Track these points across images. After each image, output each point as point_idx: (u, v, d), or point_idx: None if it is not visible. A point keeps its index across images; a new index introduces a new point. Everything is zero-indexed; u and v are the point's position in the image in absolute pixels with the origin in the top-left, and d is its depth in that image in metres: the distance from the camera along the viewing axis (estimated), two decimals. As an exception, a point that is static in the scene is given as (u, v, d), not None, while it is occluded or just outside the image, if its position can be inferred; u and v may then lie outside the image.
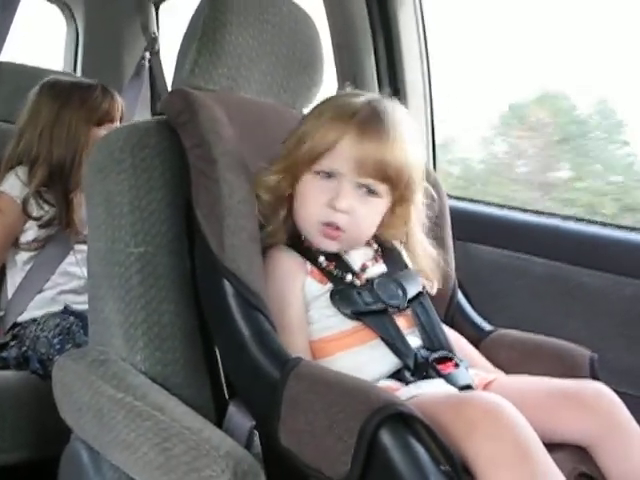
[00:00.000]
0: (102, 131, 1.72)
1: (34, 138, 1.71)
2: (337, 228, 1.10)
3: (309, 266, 1.12)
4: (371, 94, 1.16)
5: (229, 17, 1.19)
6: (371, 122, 1.07)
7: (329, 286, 1.11)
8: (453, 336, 1.20)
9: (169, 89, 1.30)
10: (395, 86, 1.83)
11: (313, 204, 1.10)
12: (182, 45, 1.23)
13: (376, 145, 1.07)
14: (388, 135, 1.07)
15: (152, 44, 2.37)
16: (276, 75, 1.27)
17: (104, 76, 2.03)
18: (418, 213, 1.19)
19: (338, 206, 1.08)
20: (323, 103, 1.15)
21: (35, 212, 1.68)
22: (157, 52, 2.37)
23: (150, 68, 2.36)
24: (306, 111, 1.35)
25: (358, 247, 1.16)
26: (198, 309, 1.08)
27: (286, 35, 1.27)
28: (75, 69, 2.53)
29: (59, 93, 1.74)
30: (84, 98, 1.74)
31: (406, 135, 1.10)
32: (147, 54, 2.35)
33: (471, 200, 1.80)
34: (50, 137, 1.71)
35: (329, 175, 1.09)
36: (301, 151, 1.10)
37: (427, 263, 1.20)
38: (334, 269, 1.12)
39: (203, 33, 1.18)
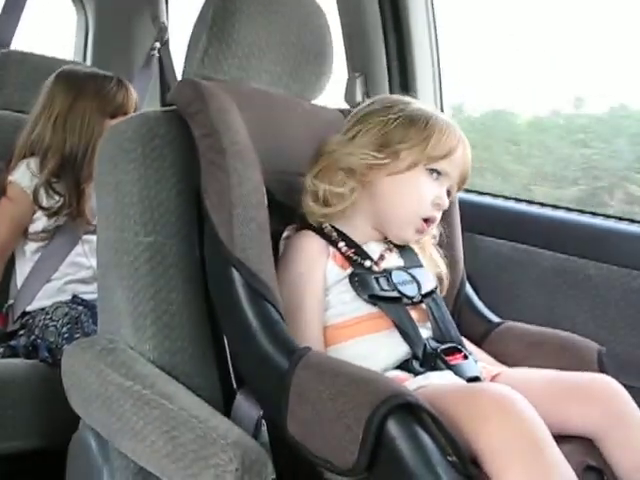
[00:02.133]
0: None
1: (47, 127, 1.71)
2: (429, 223, 1.17)
3: (332, 249, 1.14)
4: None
5: (239, 7, 1.19)
6: (463, 138, 1.18)
7: (349, 270, 1.13)
8: None
9: (178, 79, 1.30)
10: (405, 76, 1.83)
11: (421, 198, 1.15)
12: (192, 35, 1.22)
13: (469, 156, 1.18)
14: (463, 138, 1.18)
15: (162, 34, 2.36)
16: (286, 65, 1.27)
17: (114, 66, 2.04)
18: None
19: (444, 205, 1.16)
20: (401, 109, 1.17)
21: (44, 202, 1.68)
22: (167, 42, 2.36)
23: (160, 58, 2.36)
24: (314, 101, 1.35)
25: (374, 237, 1.19)
26: (207, 298, 1.08)
27: (296, 25, 1.27)
28: (85, 59, 2.53)
29: (74, 83, 1.74)
30: (99, 89, 1.74)
31: None
32: (157, 44, 2.35)
33: (479, 192, 1.79)
34: (63, 127, 1.71)
35: (438, 174, 1.15)
36: (415, 150, 1.13)
37: (434, 267, 1.25)
38: (354, 255, 1.14)
39: (213, 23, 1.18)
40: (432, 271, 1.23)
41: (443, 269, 1.25)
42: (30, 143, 1.73)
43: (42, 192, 1.67)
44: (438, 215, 1.17)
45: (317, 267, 1.12)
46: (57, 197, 1.68)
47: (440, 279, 1.24)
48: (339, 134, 1.19)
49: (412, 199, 1.15)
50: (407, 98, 1.22)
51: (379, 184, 1.15)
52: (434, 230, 1.24)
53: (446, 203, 1.16)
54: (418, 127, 1.14)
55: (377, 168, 1.14)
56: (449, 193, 1.19)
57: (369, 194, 1.16)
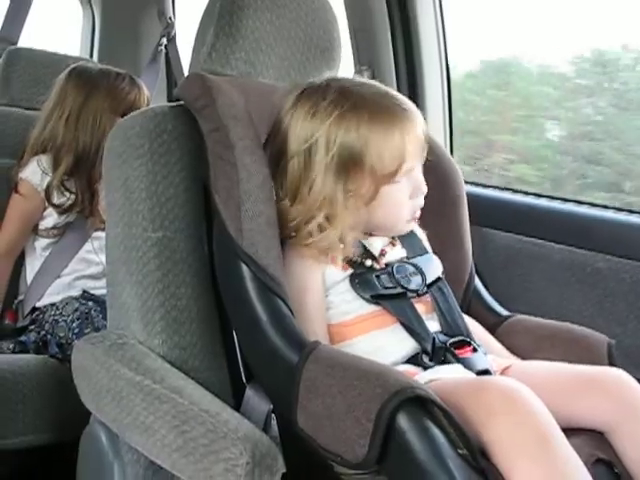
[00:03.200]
0: None
1: (60, 125, 1.72)
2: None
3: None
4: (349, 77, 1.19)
5: (246, 1, 1.19)
6: (408, 111, 1.10)
7: (349, 271, 1.11)
8: (469, 323, 1.20)
9: (185, 74, 1.30)
10: (412, 70, 1.82)
11: (402, 204, 1.12)
12: (199, 30, 1.22)
13: (422, 127, 1.11)
14: (419, 115, 1.12)
15: (168, 29, 2.36)
16: (293, 60, 1.27)
17: (120, 62, 2.04)
18: None
19: (424, 191, 1.13)
20: (339, 104, 1.08)
21: (56, 199, 1.69)
22: (173, 37, 2.36)
23: (166, 54, 2.36)
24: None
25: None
26: (216, 293, 1.09)
27: (303, 19, 1.26)
28: (91, 55, 2.53)
29: (86, 81, 1.74)
30: (111, 88, 1.74)
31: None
32: (164, 40, 2.35)
33: (488, 186, 1.79)
34: (76, 125, 1.71)
35: (408, 171, 1.10)
36: (367, 166, 1.07)
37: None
38: (353, 255, 1.12)
39: (220, 17, 1.18)
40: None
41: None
42: (42, 140, 1.73)
43: (54, 190, 1.68)
44: (422, 199, 1.14)
45: (315, 271, 1.10)
46: (68, 194, 1.69)
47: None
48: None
49: (396, 208, 1.12)
50: (344, 81, 1.13)
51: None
52: None
53: (425, 189, 1.13)
54: (353, 137, 1.06)
55: (342, 196, 1.08)
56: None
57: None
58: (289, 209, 1.09)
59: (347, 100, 1.08)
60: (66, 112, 1.72)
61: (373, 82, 1.17)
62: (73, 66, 1.79)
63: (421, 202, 1.14)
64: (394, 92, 1.14)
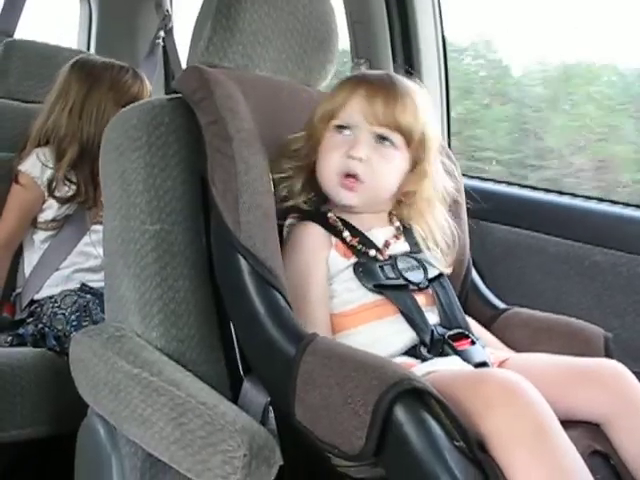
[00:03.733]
0: None
1: (63, 116, 1.71)
2: (355, 179, 1.13)
3: (334, 239, 1.14)
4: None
5: (244, -6, 1.19)
6: (381, 82, 1.15)
7: (353, 260, 1.12)
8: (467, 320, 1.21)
9: (183, 67, 1.29)
10: (410, 62, 1.82)
11: (332, 156, 1.14)
12: (197, 23, 1.22)
13: (385, 97, 1.13)
14: (397, 92, 1.14)
15: (166, 22, 2.36)
16: (291, 52, 1.27)
17: (118, 54, 2.02)
18: (436, 183, 1.21)
19: (354, 154, 1.12)
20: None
21: (57, 191, 1.68)
22: (171, 30, 2.36)
23: (164, 46, 2.35)
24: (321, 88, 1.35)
25: (378, 212, 1.19)
26: (213, 286, 1.09)
27: (301, 12, 1.26)
28: (89, 47, 2.52)
29: (90, 73, 1.74)
30: (114, 80, 1.74)
31: (418, 101, 1.16)
32: (161, 32, 2.34)
33: (485, 179, 1.79)
34: (79, 115, 1.71)
35: (345, 128, 1.14)
36: (318, 114, 1.16)
37: (441, 238, 1.22)
38: (358, 244, 1.14)
39: (218, 10, 1.17)
40: (439, 242, 1.22)
41: (442, 245, 1.22)
42: (45, 131, 1.73)
43: (59, 182, 1.68)
44: (357, 167, 1.12)
45: (319, 258, 1.12)
46: (69, 185, 1.69)
47: (448, 250, 1.23)
48: None
49: (326, 162, 1.15)
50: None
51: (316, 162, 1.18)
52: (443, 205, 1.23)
53: (361, 153, 1.11)
54: (329, 96, 1.18)
55: (305, 147, 1.17)
56: (386, 140, 1.14)
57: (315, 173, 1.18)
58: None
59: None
60: (69, 103, 1.71)
61: None
62: (76, 58, 1.79)
63: (351, 165, 1.12)
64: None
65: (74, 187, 1.69)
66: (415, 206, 1.21)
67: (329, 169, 1.14)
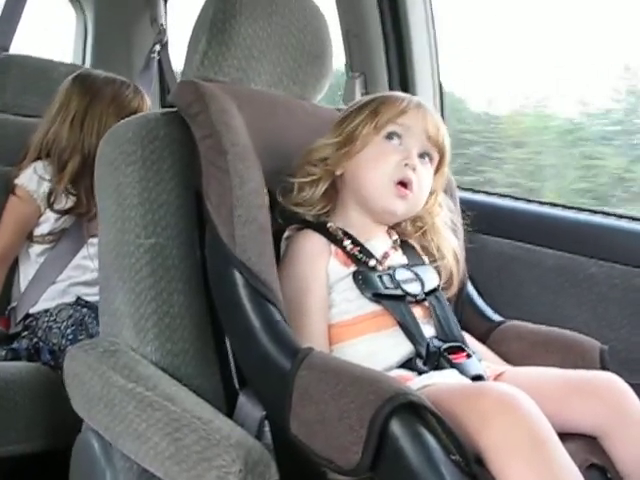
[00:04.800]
0: None
1: (64, 128, 1.71)
2: (407, 186, 1.15)
3: (333, 248, 1.14)
4: None
5: (238, 9, 1.19)
6: (423, 104, 1.20)
7: (352, 268, 1.13)
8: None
9: (178, 81, 1.30)
10: (405, 76, 1.83)
11: (385, 163, 1.15)
12: (191, 37, 1.23)
13: (435, 119, 1.18)
14: (436, 115, 1.20)
15: (161, 36, 2.37)
16: (285, 66, 1.27)
17: (114, 68, 2.03)
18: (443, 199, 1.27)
19: (413, 163, 1.14)
20: (368, 97, 1.23)
21: (56, 203, 1.68)
22: (166, 44, 2.37)
23: (159, 60, 2.36)
24: (316, 102, 1.36)
25: (379, 235, 1.20)
26: (208, 300, 1.08)
27: (295, 26, 1.27)
28: (84, 61, 2.53)
29: (91, 86, 1.75)
30: (116, 94, 1.75)
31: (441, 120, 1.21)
32: (156, 46, 2.35)
33: (480, 191, 1.79)
34: (81, 127, 1.71)
35: (397, 137, 1.16)
36: (365, 126, 1.17)
37: (450, 256, 1.24)
38: (358, 253, 1.15)
39: (212, 24, 1.18)
40: (439, 263, 1.23)
41: (450, 259, 1.24)
42: (45, 143, 1.73)
43: (59, 195, 1.67)
44: (412, 176, 1.15)
45: (319, 266, 1.12)
46: (69, 196, 1.69)
47: (448, 272, 1.24)
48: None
49: (377, 169, 1.15)
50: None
51: (349, 170, 1.18)
52: (441, 213, 1.25)
53: (416, 162, 1.15)
54: (367, 104, 1.19)
55: (338, 155, 1.17)
56: (427, 156, 1.18)
57: (346, 184, 1.19)
58: None
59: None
60: (70, 115, 1.72)
61: None
62: (77, 72, 1.80)
63: (408, 173, 1.14)
64: None
65: (73, 199, 1.69)
66: (421, 222, 1.24)
67: (382, 175, 1.15)
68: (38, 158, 1.72)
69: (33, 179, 1.69)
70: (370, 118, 1.16)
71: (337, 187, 1.20)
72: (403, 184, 1.15)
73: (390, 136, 1.16)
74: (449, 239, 1.25)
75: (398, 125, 1.16)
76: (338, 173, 1.18)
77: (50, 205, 1.68)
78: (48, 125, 1.74)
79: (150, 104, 1.83)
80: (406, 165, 1.14)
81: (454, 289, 1.27)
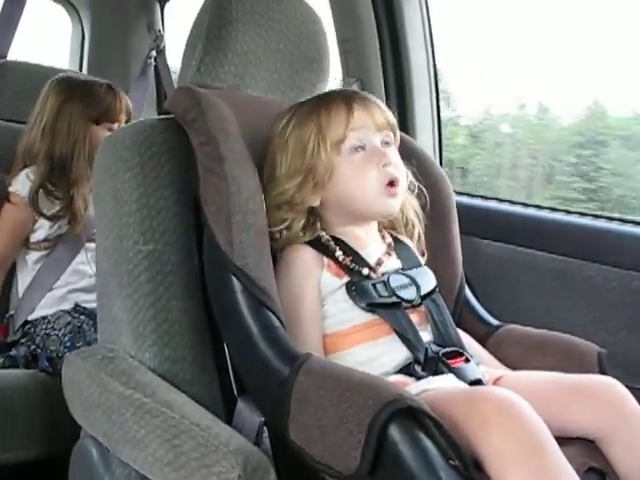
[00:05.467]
0: (101, 130, 1.72)
1: (38, 133, 1.72)
2: (394, 183, 1.14)
3: (326, 260, 1.13)
4: None
5: (235, 15, 1.19)
6: (357, 93, 1.19)
7: (345, 279, 1.12)
8: (461, 335, 1.21)
9: (175, 87, 1.30)
10: (401, 81, 1.83)
11: (368, 173, 1.13)
12: (188, 43, 1.23)
13: (373, 104, 1.16)
14: (371, 96, 1.18)
15: (157, 42, 2.37)
16: (282, 72, 1.27)
17: (110, 75, 2.04)
18: None
19: (388, 160, 1.13)
20: (293, 111, 1.17)
21: (45, 208, 1.68)
22: (162, 50, 2.37)
23: (156, 66, 2.36)
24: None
25: (371, 241, 1.19)
26: (206, 306, 1.08)
27: (292, 32, 1.27)
28: (81, 68, 2.53)
29: (64, 88, 1.75)
30: (86, 94, 1.74)
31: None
32: (153, 52, 2.35)
33: (477, 196, 1.80)
34: (52, 132, 1.71)
35: (360, 147, 1.13)
36: (320, 150, 1.13)
37: (414, 217, 1.25)
38: (350, 263, 1.13)
39: (209, 31, 1.18)
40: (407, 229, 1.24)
41: (415, 221, 1.24)
42: (24, 150, 1.74)
43: (42, 198, 1.68)
44: (395, 172, 1.14)
45: (311, 279, 1.11)
46: (57, 202, 1.69)
47: (417, 234, 1.25)
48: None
49: (361, 184, 1.13)
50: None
51: (329, 196, 1.15)
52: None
53: (390, 156, 1.13)
54: (307, 127, 1.14)
55: (307, 191, 1.14)
56: (389, 141, 1.17)
57: (331, 207, 1.16)
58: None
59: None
60: (44, 121, 1.72)
61: None
62: (56, 76, 1.79)
63: (391, 172, 1.13)
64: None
65: (57, 202, 1.69)
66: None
67: (370, 186, 1.13)
68: (25, 166, 1.72)
69: (26, 185, 1.69)
70: (320, 140, 1.12)
71: (318, 212, 1.17)
72: (390, 183, 1.14)
73: (355, 149, 1.13)
74: (410, 201, 1.24)
75: (352, 135, 1.13)
76: (315, 204, 1.16)
77: (36, 210, 1.68)
78: (28, 132, 1.75)
79: (128, 104, 1.81)
80: (384, 165, 1.13)
81: (454, 288, 1.28)
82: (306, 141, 1.13)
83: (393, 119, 1.18)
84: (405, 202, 1.22)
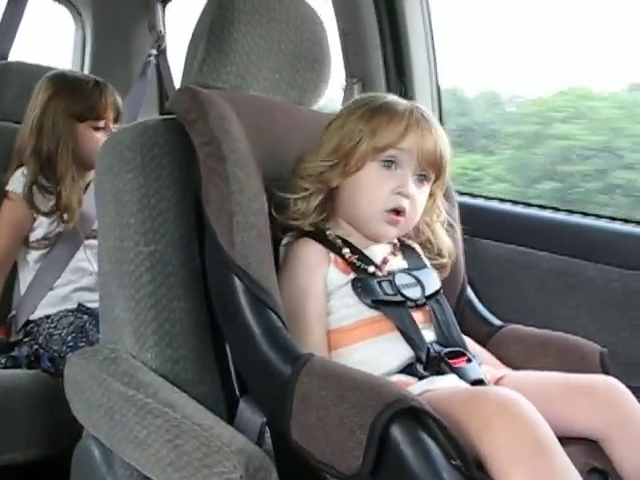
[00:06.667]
0: (84, 128, 1.73)
1: (27, 131, 1.72)
2: (400, 214, 1.14)
3: (333, 256, 1.14)
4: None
5: (237, 16, 1.19)
6: (424, 120, 1.15)
7: (352, 276, 1.13)
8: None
9: (176, 87, 1.30)
10: (403, 81, 1.83)
11: (379, 191, 1.14)
12: (190, 44, 1.23)
13: (434, 137, 1.14)
14: (437, 130, 1.15)
15: (159, 42, 2.37)
16: (284, 72, 1.27)
17: (112, 76, 2.03)
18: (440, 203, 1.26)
19: (405, 191, 1.13)
20: (365, 104, 1.17)
21: (42, 205, 1.68)
22: (164, 50, 2.37)
23: (157, 66, 2.36)
24: (314, 108, 1.36)
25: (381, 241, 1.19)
26: (208, 306, 1.08)
27: (293, 32, 1.27)
28: (83, 69, 2.53)
29: (53, 84, 1.74)
30: (72, 90, 1.73)
31: (442, 132, 1.17)
32: (154, 52, 2.35)
33: (479, 196, 1.80)
34: (39, 129, 1.71)
35: (394, 164, 1.13)
36: (363, 144, 1.13)
37: (447, 255, 1.26)
38: (357, 260, 1.14)
39: (211, 32, 1.18)
40: (438, 262, 1.24)
41: (446, 256, 1.25)
42: (17, 149, 1.74)
43: (37, 194, 1.68)
44: (406, 204, 1.14)
45: (317, 274, 1.12)
46: (51, 197, 1.69)
47: (448, 271, 1.25)
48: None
49: (369, 195, 1.14)
50: (381, 95, 1.22)
51: (344, 188, 1.17)
52: (441, 216, 1.25)
53: (410, 190, 1.13)
54: (365, 121, 1.14)
55: (333, 172, 1.15)
56: (424, 177, 1.16)
57: (341, 200, 1.18)
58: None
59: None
60: (32, 117, 1.72)
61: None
62: (48, 74, 1.79)
63: (401, 201, 1.13)
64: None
65: (52, 197, 1.69)
66: (419, 228, 1.24)
67: (375, 204, 1.14)
68: (21, 163, 1.73)
69: (22, 183, 1.70)
70: (368, 138, 1.13)
71: (332, 197, 1.19)
72: (396, 211, 1.14)
73: (388, 163, 1.13)
74: (446, 241, 1.26)
75: (397, 150, 1.13)
76: (333, 186, 1.17)
77: (33, 208, 1.68)
78: (22, 128, 1.75)
79: (116, 101, 1.79)
80: (399, 193, 1.13)
81: (456, 288, 1.28)
82: (357, 132, 1.14)
83: (443, 160, 1.16)
84: (438, 236, 1.25)
